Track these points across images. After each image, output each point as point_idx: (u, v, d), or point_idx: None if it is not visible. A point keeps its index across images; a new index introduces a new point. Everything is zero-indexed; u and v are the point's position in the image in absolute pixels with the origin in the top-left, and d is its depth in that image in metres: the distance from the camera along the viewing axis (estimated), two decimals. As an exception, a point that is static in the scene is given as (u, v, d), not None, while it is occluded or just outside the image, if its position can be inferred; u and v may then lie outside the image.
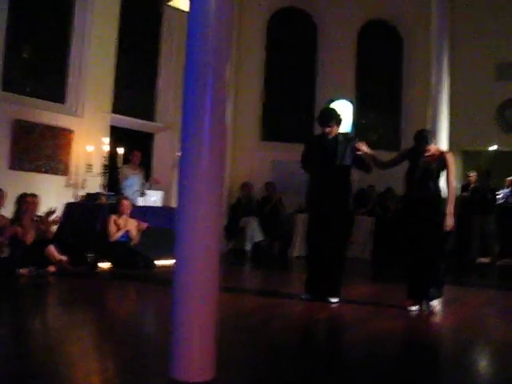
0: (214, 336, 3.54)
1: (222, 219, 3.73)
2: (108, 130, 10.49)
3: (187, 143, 3.59)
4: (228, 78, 3.64)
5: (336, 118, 6.56)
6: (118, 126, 11.10)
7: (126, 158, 10.25)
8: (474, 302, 7.06)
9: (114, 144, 9.94)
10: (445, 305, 6.57)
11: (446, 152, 6.37)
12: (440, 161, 6.10)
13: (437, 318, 6.00)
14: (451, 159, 6.16)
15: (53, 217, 7.87)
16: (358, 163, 6.57)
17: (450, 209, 6.00)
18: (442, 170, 6.12)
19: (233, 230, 11.65)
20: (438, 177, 6.14)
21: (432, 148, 6.18)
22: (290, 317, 5.93)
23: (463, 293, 7.40)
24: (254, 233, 11.44)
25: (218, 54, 3.58)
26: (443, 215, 6.00)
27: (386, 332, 5.27)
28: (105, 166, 9.58)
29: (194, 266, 3.51)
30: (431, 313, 6.02)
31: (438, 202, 6.05)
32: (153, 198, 10.00)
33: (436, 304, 6.15)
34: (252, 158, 12.28)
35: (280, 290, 7.40)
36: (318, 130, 7.64)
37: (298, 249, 11.42)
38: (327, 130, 6.50)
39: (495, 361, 4.59)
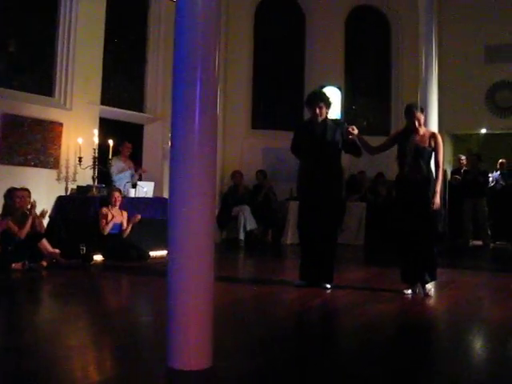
0: (209, 325, 3.54)
1: (214, 209, 3.70)
2: (97, 122, 10.41)
3: (177, 132, 3.56)
4: (217, 66, 3.60)
5: (325, 100, 6.52)
6: (107, 117, 11.03)
7: (117, 150, 10.21)
8: (468, 284, 7.09)
9: (103, 136, 9.88)
10: (439, 287, 6.60)
11: (436, 133, 6.39)
12: (430, 142, 6.11)
13: (431, 301, 6.02)
14: (440, 140, 6.18)
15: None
16: (348, 147, 6.52)
17: (437, 188, 6.02)
18: (433, 151, 6.12)
19: (225, 219, 11.63)
20: (429, 158, 6.14)
21: (422, 129, 6.18)
22: (285, 303, 5.93)
23: (457, 275, 7.43)
24: (247, 221, 11.43)
25: (206, 43, 3.55)
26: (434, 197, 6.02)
27: (380, 316, 5.29)
28: (95, 158, 9.53)
29: (188, 256, 3.49)
30: (426, 296, 6.03)
31: (430, 184, 6.06)
32: (144, 189, 9.96)
33: (430, 287, 6.17)
34: (242, 146, 12.26)
35: (274, 277, 7.41)
36: (308, 117, 7.62)
37: (291, 236, 11.44)
38: (316, 110, 6.44)
39: (491, 341, 4.61)
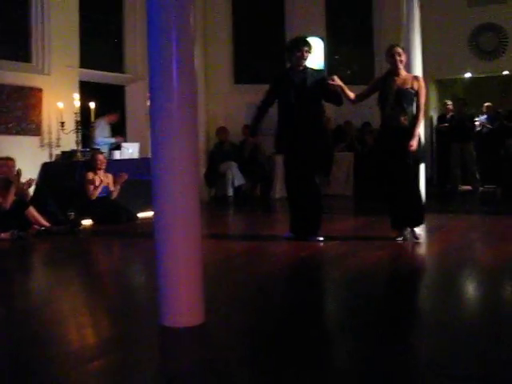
0: (199, 281, 3.53)
1: (199, 165, 3.65)
2: (77, 86, 10.25)
3: (156, 90, 3.51)
4: (193, 20, 3.51)
5: (309, 45, 6.38)
6: (88, 80, 10.88)
7: (99, 113, 10.10)
8: (458, 228, 7.11)
9: (84, 99, 9.74)
10: (430, 232, 6.62)
11: (419, 76, 6.31)
12: (413, 84, 6.02)
13: (423, 246, 6.03)
14: (423, 83, 6.10)
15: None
16: (329, 96, 6.38)
17: (415, 131, 5.94)
18: (416, 94, 6.01)
19: (213, 176, 11.56)
20: (412, 100, 6.03)
21: (404, 72, 6.10)
22: (276, 256, 5.93)
23: (447, 220, 7.44)
24: (235, 177, 11.35)
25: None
26: (418, 144, 5.96)
27: (372, 264, 5.29)
28: (77, 122, 9.40)
29: (173, 214, 3.46)
30: (416, 240, 6.03)
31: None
32: (130, 151, 9.88)
33: (420, 232, 6.16)
34: (226, 102, 12.12)
35: (264, 231, 7.40)
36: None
37: (279, 190, 11.40)
38: (301, 54, 6.29)
39: (483, 284, 4.64)
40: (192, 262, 3.51)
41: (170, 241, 3.49)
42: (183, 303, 3.49)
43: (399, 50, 6.02)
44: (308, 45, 6.37)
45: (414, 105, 6.04)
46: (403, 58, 6.04)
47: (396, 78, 6.02)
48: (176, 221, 3.46)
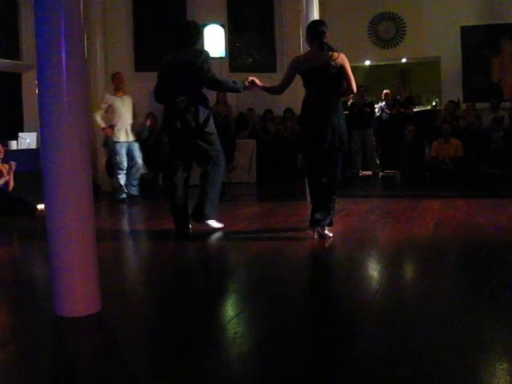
0: (93, 270, 3.48)
1: (89, 156, 3.54)
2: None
3: (43, 76, 3.39)
4: (81, 12, 3.42)
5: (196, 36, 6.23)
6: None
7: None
8: (358, 212, 7.25)
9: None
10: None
11: (342, 54, 5.53)
12: (337, 61, 5.41)
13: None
14: (347, 61, 5.49)
15: None
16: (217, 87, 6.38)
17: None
18: (340, 71, 5.43)
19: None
20: (337, 78, 5.49)
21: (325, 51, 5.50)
22: (168, 244, 5.86)
23: (348, 204, 7.55)
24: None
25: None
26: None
27: (274, 248, 5.32)
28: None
29: (63, 204, 3.37)
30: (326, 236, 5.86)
31: (337, 112, 5.51)
32: (27, 140, 9.58)
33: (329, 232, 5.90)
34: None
35: (166, 219, 7.30)
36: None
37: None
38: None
39: (384, 259, 4.80)
40: (84, 252, 3.43)
41: (61, 230, 3.40)
42: (77, 292, 3.42)
43: (324, 29, 5.56)
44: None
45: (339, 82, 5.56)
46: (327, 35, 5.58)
47: (319, 54, 5.48)
48: (66, 209, 3.38)
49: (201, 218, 6.14)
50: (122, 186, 9.53)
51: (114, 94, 9.60)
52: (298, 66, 5.60)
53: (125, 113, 9.56)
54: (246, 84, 6.06)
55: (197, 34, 6.28)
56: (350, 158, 12.68)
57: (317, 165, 5.60)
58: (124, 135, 9.49)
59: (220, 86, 6.38)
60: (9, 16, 11.25)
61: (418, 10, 13.35)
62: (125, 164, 9.57)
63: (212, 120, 6.12)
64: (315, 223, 5.53)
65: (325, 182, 5.57)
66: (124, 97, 9.66)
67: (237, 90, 6.29)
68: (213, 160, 6.11)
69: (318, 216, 5.51)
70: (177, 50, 6.16)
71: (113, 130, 9.44)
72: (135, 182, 9.84)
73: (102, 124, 9.40)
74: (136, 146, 9.71)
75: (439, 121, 12.53)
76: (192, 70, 5.92)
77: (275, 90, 6.04)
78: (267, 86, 6.10)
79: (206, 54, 6.08)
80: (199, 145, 6.07)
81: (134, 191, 9.79)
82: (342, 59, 5.43)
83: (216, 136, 6.16)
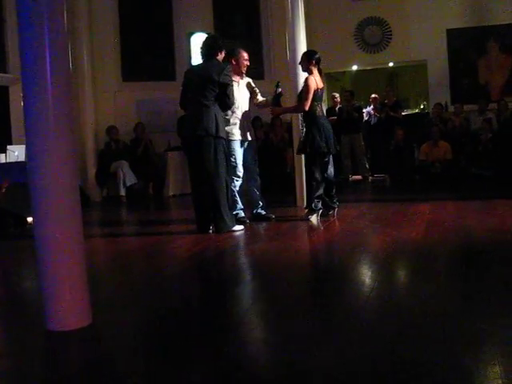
0: (83, 283, 3.45)
1: (76, 167, 3.54)
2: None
3: (28, 87, 3.38)
4: (65, 23, 3.40)
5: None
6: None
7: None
8: (347, 216, 7.23)
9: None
10: (321, 221, 6.73)
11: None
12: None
13: (313, 233, 6.11)
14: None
15: None
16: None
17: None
18: None
19: (104, 176, 11.29)
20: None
21: None
22: (166, 253, 5.83)
23: (339, 209, 7.53)
24: (126, 177, 11.10)
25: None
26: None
27: (266, 252, 5.30)
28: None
29: (51, 217, 3.35)
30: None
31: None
32: (15, 153, 9.51)
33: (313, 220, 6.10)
34: (115, 100, 11.84)
35: (157, 229, 7.28)
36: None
37: (172, 187, 11.32)
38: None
39: (375, 263, 4.80)
40: (74, 265, 3.40)
41: (48, 244, 3.37)
42: (66, 306, 3.38)
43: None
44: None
45: None
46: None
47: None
48: (53, 223, 3.35)
49: (220, 230, 6.34)
50: None
51: None
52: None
53: None
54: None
55: (215, 47, 6.56)
56: (339, 163, 12.72)
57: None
58: None
59: (225, 104, 6.51)
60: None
61: (403, 15, 13.39)
62: None
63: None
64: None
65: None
66: None
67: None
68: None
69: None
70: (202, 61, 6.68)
71: None
72: None
73: None
74: None
75: (428, 124, 12.55)
76: (209, 81, 6.30)
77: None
78: (288, 109, 7.21)
79: (223, 67, 6.41)
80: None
81: None
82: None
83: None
